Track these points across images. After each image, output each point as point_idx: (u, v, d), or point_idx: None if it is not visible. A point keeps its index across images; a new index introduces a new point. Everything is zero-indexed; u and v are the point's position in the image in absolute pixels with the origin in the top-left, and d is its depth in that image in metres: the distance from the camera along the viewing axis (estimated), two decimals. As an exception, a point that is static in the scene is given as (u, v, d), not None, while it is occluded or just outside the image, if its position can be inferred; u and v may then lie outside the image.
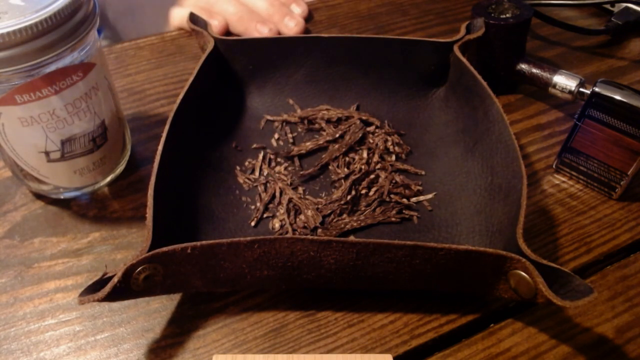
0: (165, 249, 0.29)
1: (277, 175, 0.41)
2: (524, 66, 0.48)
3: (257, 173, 0.41)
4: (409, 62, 0.45)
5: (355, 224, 0.38)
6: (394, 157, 0.43)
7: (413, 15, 0.60)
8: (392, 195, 0.40)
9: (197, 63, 0.42)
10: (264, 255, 0.30)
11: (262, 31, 0.54)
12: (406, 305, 0.34)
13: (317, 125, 0.45)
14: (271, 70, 0.46)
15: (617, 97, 0.37)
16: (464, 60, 0.42)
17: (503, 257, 0.29)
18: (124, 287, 0.29)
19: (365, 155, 0.42)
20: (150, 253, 0.29)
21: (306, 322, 0.34)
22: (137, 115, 0.48)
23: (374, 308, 0.34)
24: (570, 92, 0.45)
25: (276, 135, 0.45)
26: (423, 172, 0.42)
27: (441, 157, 0.42)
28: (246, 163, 0.42)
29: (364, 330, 0.33)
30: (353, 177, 0.40)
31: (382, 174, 0.41)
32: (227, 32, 0.57)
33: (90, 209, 0.40)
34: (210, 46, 0.43)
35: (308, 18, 0.60)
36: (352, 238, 0.32)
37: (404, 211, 0.39)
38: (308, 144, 0.43)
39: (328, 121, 0.45)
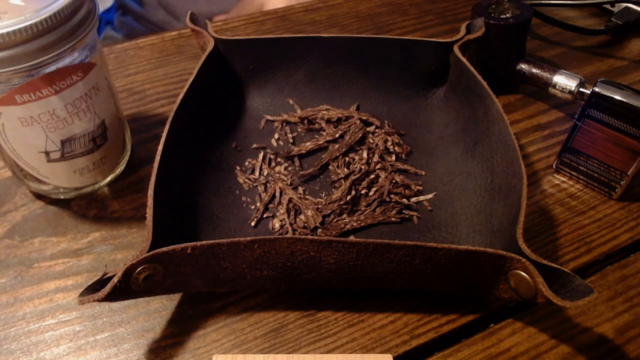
0: (165, 249, 0.29)
1: (277, 175, 0.41)
2: (524, 66, 0.48)
3: (257, 173, 0.41)
4: (409, 62, 0.45)
5: (355, 224, 0.38)
6: (394, 157, 0.43)
7: (413, 15, 0.60)
8: (392, 195, 0.40)
9: (197, 63, 0.42)
10: (264, 255, 0.30)
11: None
12: (406, 305, 0.34)
13: (317, 125, 0.45)
14: (271, 70, 0.46)
15: (617, 97, 0.37)
16: (464, 60, 0.42)
17: (503, 257, 0.29)
18: (124, 287, 0.29)
19: (365, 155, 0.42)
20: (150, 253, 0.29)
21: (306, 322, 0.34)
22: (137, 115, 0.48)
23: (374, 308, 0.34)
24: (570, 92, 0.45)
25: (276, 135, 0.45)
26: (423, 172, 0.42)
27: (441, 157, 0.42)
28: (246, 163, 0.42)
29: (364, 330, 0.33)
30: (353, 177, 0.40)
31: (382, 174, 0.41)
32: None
33: (90, 209, 0.40)
34: (210, 46, 0.43)
35: (308, 18, 0.60)
36: (352, 238, 0.32)
37: (404, 211, 0.39)
38: (308, 144, 0.43)
39: (328, 121, 0.45)
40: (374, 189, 0.40)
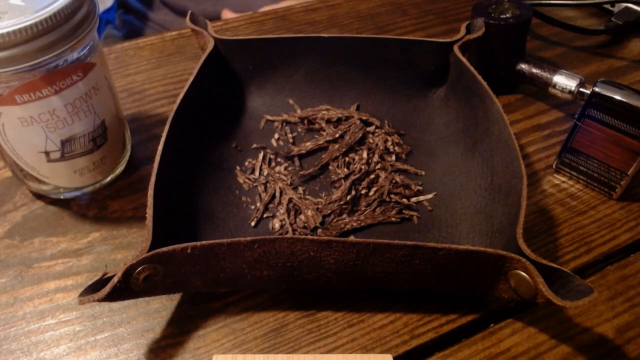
0: (165, 249, 0.29)
1: (277, 175, 0.41)
2: (524, 66, 0.48)
3: (257, 173, 0.41)
4: (409, 62, 0.45)
5: (355, 224, 0.38)
6: (394, 157, 0.43)
7: (413, 15, 0.60)
8: (392, 195, 0.40)
9: (197, 63, 0.42)
10: (264, 255, 0.30)
11: None
12: (406, 305, 0.34)
13: (317, 125, 0.45)
14: (271, 70, 0.46)
15: (617, 97, 0.37)
16: (464, 60, 0.42)
17: (503, 257, 0.29)
18: (124, 287, 0.29)
19: (365, 155, 0.42)
20: (150, 253, 0.29)
21: (306, 322, 0.34)
22: (137, 115, 0.48)
23: (374, 308, 0.34)
24: (570, 92, 0.45)
25: (276, 135, 0.45)
26: (423, 172, 0.42)
27: (441, 157, 0.42)
28: (246, 163, 0.42)
29: (364, 330, 0.33)
30: (353, 177, 0.40)
31: (382, 174, 0.41)
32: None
33: (90, 209, 0.40)
34: (210, 46, 0.43)
35: (308, 18, 0.60)
36: (352, 238, 0.32)
37: (404, 211, 0.39)
38: (308, 144, 0.43)
39: (328, 121, 0.45)
40: (374, 189, 0.40)
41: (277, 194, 0.40)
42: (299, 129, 0.45)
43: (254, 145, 0.44)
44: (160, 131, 0.36)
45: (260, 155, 0.43)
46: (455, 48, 0.43)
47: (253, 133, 0.45)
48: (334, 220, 0.38)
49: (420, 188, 0.40)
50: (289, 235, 0.36)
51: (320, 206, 0.39)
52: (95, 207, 0.40)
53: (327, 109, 0.46)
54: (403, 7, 0.62)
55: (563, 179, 0.43)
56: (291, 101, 0.47)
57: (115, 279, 0.28)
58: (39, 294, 0.35)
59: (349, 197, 0.39)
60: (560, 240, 0.38)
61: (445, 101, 0.45)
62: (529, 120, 0.48)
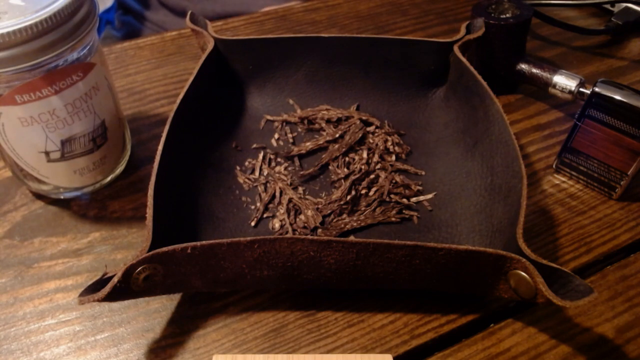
0: (165, 249, 0.29)
1: (277, 175, 0.41)
2: (524, 66, 0.48)
3: (257, 173, 0.41)
4: (409, 62, 0.45)
5: (355, 224, 0.38)
6: (394, 157, 0.43)
7: (413, 15, 0.60)
8: (392, 195, 0.40)
9: (197, 63, 0.42)
10: (264, 255, 0.30)
11: None
12: (406, 305, 0.34)
13: (317, 125, 0.45)
14: (271, 70, 0.46)
15: (617, 97, 0.37)
16: (464, 60, 0.42)
17: (503, 257, 0.29)
18: (124, 287, 0.29)
19: (365, 155, 0.42)
20: (150, 253, 0.29)
21: (306, 322, 0.34)
22: (137, 115, 0.48)
23: (374, 308, 0.34)
24: (570, 92, 0.45)
25: (276, 135, 0.45)
26: (423, 172, 0.42)
27: (441, 157, 0.42)
28: (246, 163, 0.42)
29: (364, 330, 0.33)
30: (353, 177, 0.40)
31: (382, 174, 0.41)
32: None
33: (90, 209, 0.40)
34: (210, 46, 0.43)
35: (308, 18, 0.60)
36: (352, 238, 0.32)
37: (404, 211, 0.39)
38: (308, 144, 0.43)
39: (328, 121, 0.45)
40: (374, 189, 0.40)
41: (277, 194, 0.40)
42: (299, 129, 0.45)
43: (254, 145, 0.44)
44: (160, 131, 0.36)
45: (260, 155, 0.43)
46: (455, 48, 0.43)
47: (253, 133, 0.45)
48: (334, 220, 0.38)
49: (420, 188, 0.40)
50: (289, 235, 0.36)
51: (320, 206, 0.39)
52: (95, 207, 0.40)
53: (327, 109, 0.46)
54: (403, 7, 0.62)
55: (563, 179, 0.43)
56: (291, 101, 0.47)
57: (115, 279, 0.28)
58: (39, 294, 0.35)
59: (349, 197, 0.39)
60: (560, 240, 0.38)
61: (445, 101, 0.45)
62: (529, 120, 0.48)
